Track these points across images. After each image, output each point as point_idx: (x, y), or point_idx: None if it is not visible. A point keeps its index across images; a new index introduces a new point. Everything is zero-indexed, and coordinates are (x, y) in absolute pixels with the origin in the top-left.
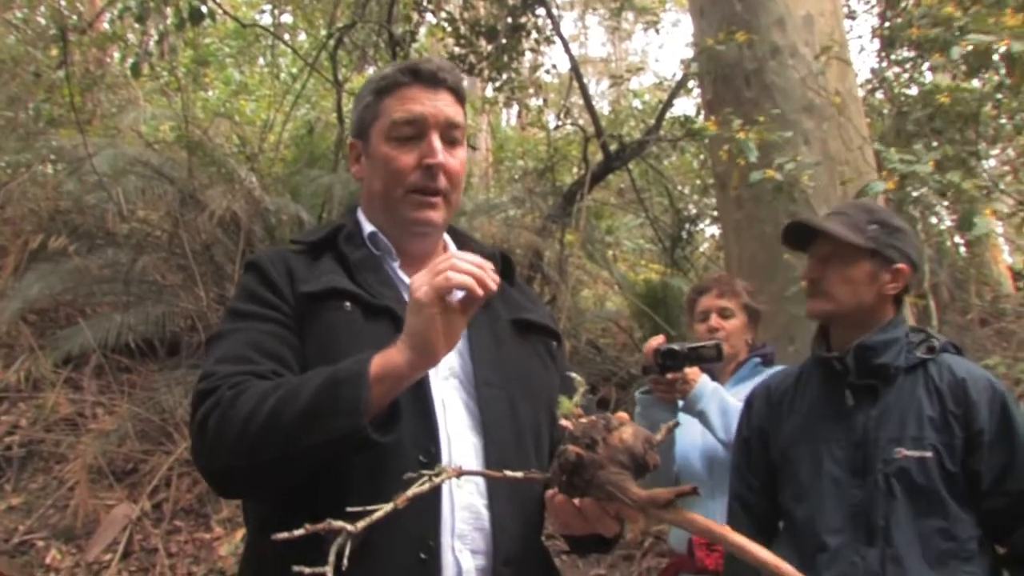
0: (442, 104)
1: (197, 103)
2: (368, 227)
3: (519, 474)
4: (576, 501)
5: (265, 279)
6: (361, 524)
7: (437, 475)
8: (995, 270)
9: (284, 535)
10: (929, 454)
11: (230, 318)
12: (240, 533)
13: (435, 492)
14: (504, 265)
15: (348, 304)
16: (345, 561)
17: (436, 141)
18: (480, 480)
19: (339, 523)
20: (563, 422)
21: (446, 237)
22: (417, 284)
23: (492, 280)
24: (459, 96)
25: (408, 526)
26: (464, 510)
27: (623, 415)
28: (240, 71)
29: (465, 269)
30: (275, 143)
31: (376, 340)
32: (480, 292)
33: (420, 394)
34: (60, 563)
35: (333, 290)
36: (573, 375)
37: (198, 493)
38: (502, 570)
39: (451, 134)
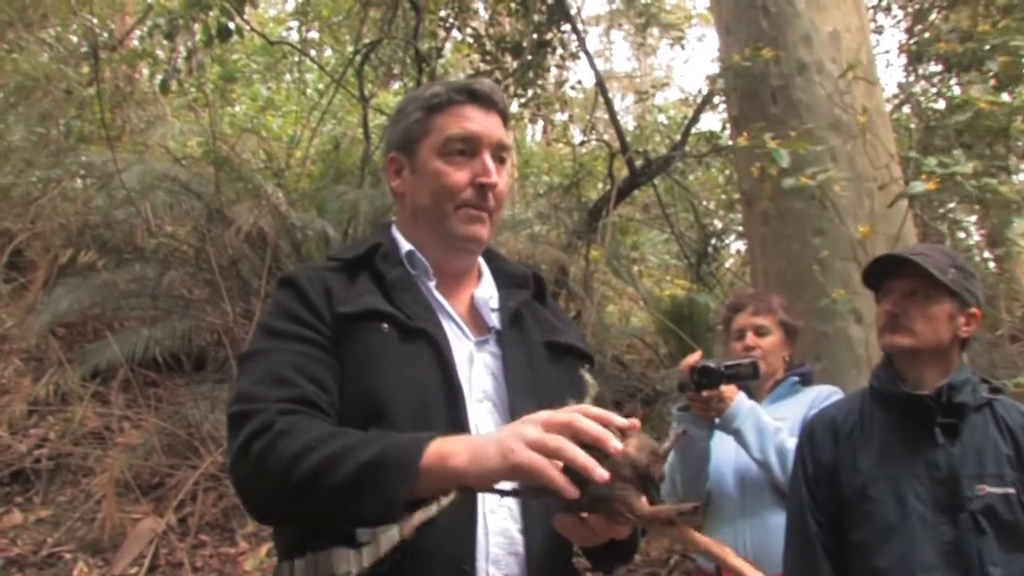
0: (494, 125)
1: (224, 119)
2: (406, 246)
3: (510, 485)
4: (584, 515)
5: (303, 297)
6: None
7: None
8: None
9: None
10: (1012, 490)
11: (267, 336)
12: (265, 548)
13: (470, 518)
14: (536, 285)
15: (386, 326)
16: None
17: (489, 161)
18: (513, 505)
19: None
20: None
21: (479, 259)
22: (524, 443)
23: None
24: (506, 120)
25: (444, 552)
26: (498, 535)
27: (634, 423)
28: (267, 87)
29: (578, 461)
30: (301, 159)
31: (413, 363)
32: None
33: (455, 418)
34: None
35: (371, 311)
36: (585, 375)
37: (224, 508)
38: None
39: (500, 155)
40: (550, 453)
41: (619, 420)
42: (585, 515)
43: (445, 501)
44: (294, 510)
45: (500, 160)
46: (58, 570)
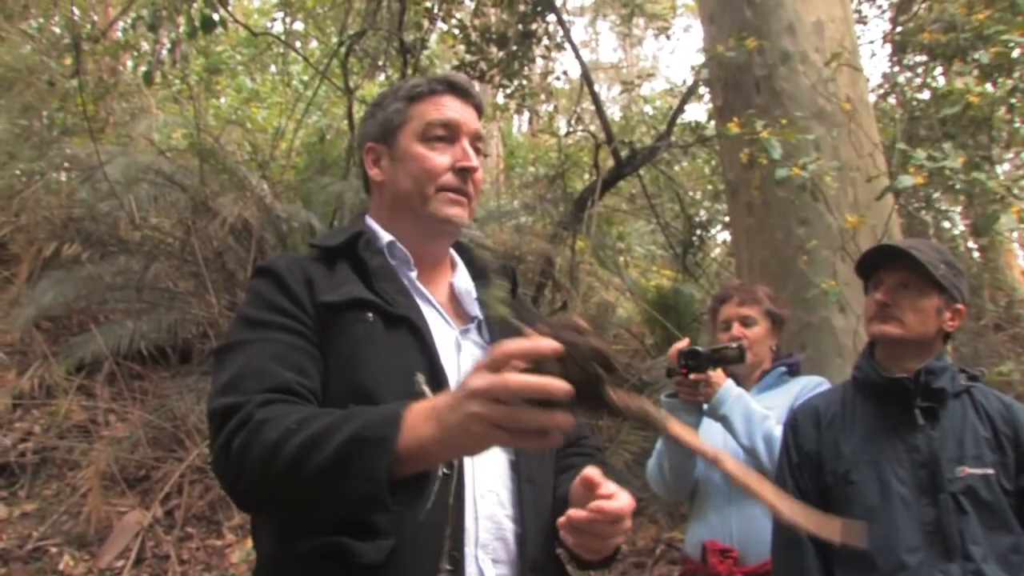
0: (471, 116)
1: (209, 111)
2: (385, 236)
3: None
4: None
5: (282, 286)
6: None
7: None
8: (1009, 275)
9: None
10: (991, 471)
11: (245, 327)
12: (251, 541)
13: (459, 504)
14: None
15: (370, 315)
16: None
17: (469, 147)
18: (502, 492)
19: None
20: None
21: (451, 251)
22: (480, 406)
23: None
24: (481, 115)
25: (431, 538)
26: (487, 520)
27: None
28: (252, 79)
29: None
30: (286, 150)
31: (398, 351)
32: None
33: (435, 377)
34: (73, 569)
35: (355, 301)
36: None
37: (210, 500)
38: None
39: (476, 145)
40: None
41: (544, 345)
42: (586, 515)
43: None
44: (281, 496)
45: (476, 150)
46: (44, 564)
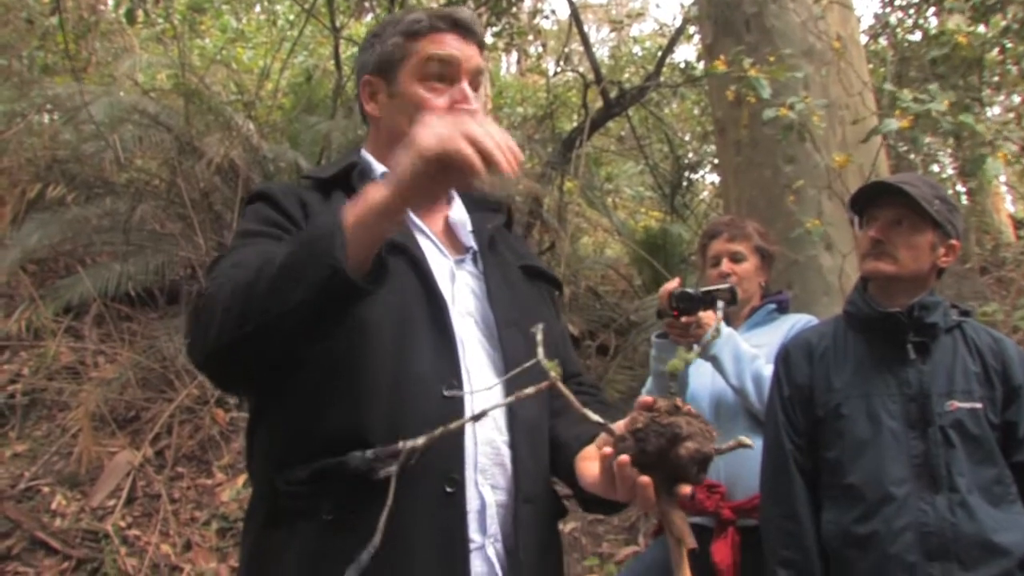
0: (472, 54)
1: (193, 51)
2: (380, 167)
3: (530, 390)
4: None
5: (277, 206)
6: (422, 440)
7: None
8: (996, 219)
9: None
10: (979, 405)
11: (238, 238)
12: (242, 478)
13: (459, 428)
14: (506, 212)
15: None
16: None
17: (468, 88)
18: (499, 416)
19: (409, 442)
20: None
21: None
22: (430, 133)
23: (512, 165)
24: (483, 51)
25: (434, 461)
26: (486, 445)
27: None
28: (236, 18)
29: (486, 146)
30: (273, 91)
31: (393, 277)
32: (481, 173)
33: (440, 327)
34: (66, 508)
35: None
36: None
37: (200, 440)
38: (523, 507)
39: (476, 82)
40: (467, 138)
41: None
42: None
43: (452, 425)
44: (246, 330)
45: (475, 88)
46: (36, 503)
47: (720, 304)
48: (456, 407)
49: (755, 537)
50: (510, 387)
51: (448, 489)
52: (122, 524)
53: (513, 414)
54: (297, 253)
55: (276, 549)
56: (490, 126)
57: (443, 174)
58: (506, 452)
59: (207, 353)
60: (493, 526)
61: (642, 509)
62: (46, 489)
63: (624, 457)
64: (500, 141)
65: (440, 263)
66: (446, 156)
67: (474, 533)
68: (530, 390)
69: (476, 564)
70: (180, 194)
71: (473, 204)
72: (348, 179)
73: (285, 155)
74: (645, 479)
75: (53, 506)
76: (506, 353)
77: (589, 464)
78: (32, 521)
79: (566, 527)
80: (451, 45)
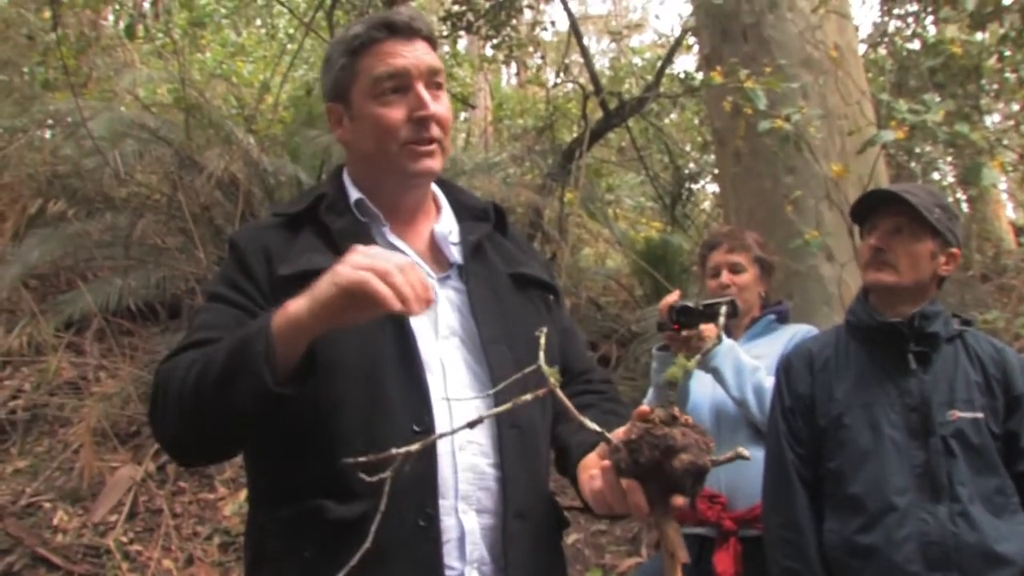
0: (420, 53)
1: (194, 65)
2: (355, 194)
3: (528, 396)
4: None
5: (241, 262)
6: (416, 447)
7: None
8: (997, 226)
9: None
10: (981, 415)
11: (206, 299)
12: (244, 493)
13: (431, 460)
14: (497, 216)
15: None
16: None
17: (423, 92)
18: (484, 440)
19: (399, 450)
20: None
21: (435, 188)
22: (347, 266)
23: (421, 304)
24: (433, 43)
25: (405, 496)
26: (468, 471)
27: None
28: (237, 32)
29: (398, 284)
30: (273, 104)
31: None
32: (395, 308)
33: (407, 360)
34: (67, 524)
35: (310, 272)
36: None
37: None
38: (514, 523)
39: (434, 81)
40: (378, 274)
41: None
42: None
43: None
44: (198, 427)
45: (436, 87)
46: (38, 519)
47: (722, 320)
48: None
49: (757, 547)
50: (505, 398)
51: (421, 523)
52: (124, 539)
53: (502, 433)
54: (231, 360)
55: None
56: (404, 262)
57: (355, 304)
58: (491, 473)
59: (165, 440)
60: (477, 551)
61: (635, 517)
62: (48, 505)
63: (607, 462)
64: (413, 279)
65: None
66: (358, 290)
67: (453, 561)
68: (528, 396)
69: None
70: (181, 208)
71: (463, 212)
72: (316, 213)
73: (285, 168)
74: (632, 483)
75: (55, 522)
76: (492, 370)
77: (590, 475)
78: (33, 537)
79: (568, 539)
80: (394, 53)
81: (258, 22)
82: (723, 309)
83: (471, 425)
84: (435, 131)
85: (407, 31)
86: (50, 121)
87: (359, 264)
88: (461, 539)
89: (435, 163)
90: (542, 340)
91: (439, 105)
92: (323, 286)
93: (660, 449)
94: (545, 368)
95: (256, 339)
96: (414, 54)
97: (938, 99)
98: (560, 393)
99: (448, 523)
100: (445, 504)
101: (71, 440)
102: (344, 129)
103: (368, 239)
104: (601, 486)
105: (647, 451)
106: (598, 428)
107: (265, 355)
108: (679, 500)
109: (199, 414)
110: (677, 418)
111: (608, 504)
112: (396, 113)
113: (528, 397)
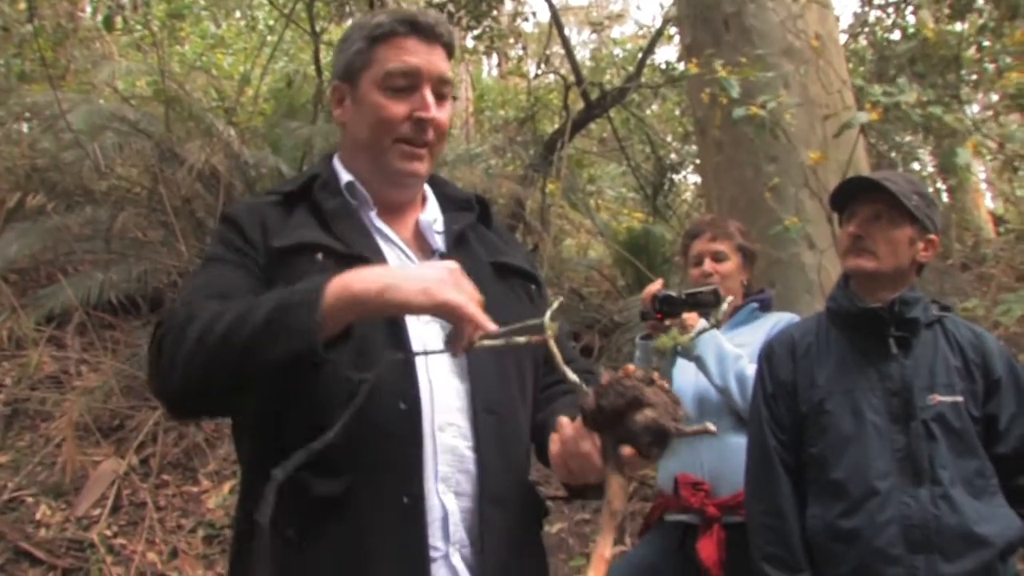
0: (436, 59)
1: (173, 57)
2: (345, 176)
3: (522, 340)
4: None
5: (238, 229)
6: (399, 355)
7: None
8: (976, 215)
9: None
10: (960, 399)
11: (201, 265)
12: (228, 485)
13: (415, 439)
14: (481, 208)
15: (319, 256)
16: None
17: (429, 95)
18: (463, 423)
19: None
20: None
21: (424, 185)
22: (440, 282)
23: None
24: (451, 53)
25: (390, 473)
26: (447, 453)
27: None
28: (216, 24)
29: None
30: (253, 96)
31: None
32: (486, 330)
33: (397, 340)
34: (50, 518)
35: (304, 244)
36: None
37: (185, 447)
38: (489, 508)
39: (441, 89)
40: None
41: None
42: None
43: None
44: (213, 378)
45: (441, 96)
46: (20, 514)
47: (722, 312)
48: (414, 421)
49: (741, 534)
50: (475, 396)
51: (406, 500)
52: (108, 533)
53: (479, 418)
54: (276, 314)
55: (248, 562)
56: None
57: (435, 315)
58: (470, 456)
59: (168, 390)
60: (458, 533)
61: (591, 473)
62: (30, 499)
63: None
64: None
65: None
66: (454, 310)
67: (438, 541)
68: (522, 340)
69: (440, 572)
70: (161, 201)
71: (447, 202)
72: (310, 192)
73: (266, 161)
74: (586, 430)
75: (38, 516)
76: (469, 358)
77: (553, 439)
78: (16, 532)
79: (552, 528)
80: (412, 51)
81: (237, 14)
82: (706, 299)
83: (450, 349)
84: (431, 135)
85: (429, 34)
86: (27, 114)
87: (453, 284)
88: (444, 520)
89: (422, 167)
90: (555, 304)
91: (441, 112)
92: (410, 289)
93: (626, 399)
94: (547, 322)
95: (308, 302)
96: (430, 57)
97: (916, 88)
98: (552, 344)
99: (431, 503)
100: (427, 485)
101: (53, 434)
102: (344, 110)
103: (358, 222)
104: (559, 447)
105: (612, 397)
106: (575, 378)
107: (318, 319)
108: (628, 450)
109: (219, 365)
110: (655, 381)
111: (564, 460)
112: (398, 108)
113: (522, 340)
